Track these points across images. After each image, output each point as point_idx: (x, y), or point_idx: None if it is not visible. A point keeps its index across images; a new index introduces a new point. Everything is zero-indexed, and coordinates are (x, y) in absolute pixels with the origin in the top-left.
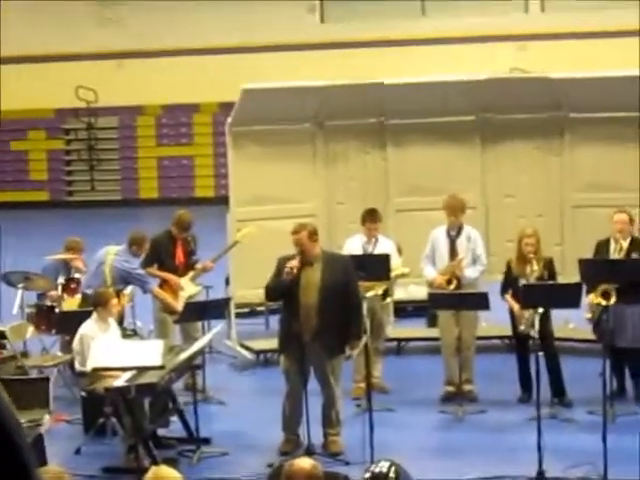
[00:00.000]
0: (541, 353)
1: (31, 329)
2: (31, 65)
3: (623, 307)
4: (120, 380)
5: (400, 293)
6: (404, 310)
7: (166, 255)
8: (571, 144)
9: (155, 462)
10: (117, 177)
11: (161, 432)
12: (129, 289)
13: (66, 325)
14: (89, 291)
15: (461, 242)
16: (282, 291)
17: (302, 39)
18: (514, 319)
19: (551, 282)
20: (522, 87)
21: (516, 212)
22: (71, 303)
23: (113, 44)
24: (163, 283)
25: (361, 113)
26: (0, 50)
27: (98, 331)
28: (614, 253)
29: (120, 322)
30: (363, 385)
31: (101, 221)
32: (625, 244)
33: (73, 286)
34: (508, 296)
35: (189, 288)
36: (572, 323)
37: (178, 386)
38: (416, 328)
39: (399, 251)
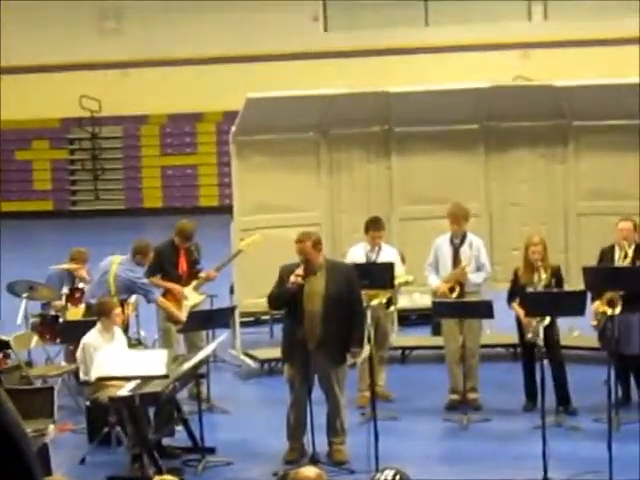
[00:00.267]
0: (546, 361)
1: (35, 339)
2: (35, 75)
3: (629, 315)
4: (124, 390)
5: (404, 301)
6: (408, 318)
7: (169, 264)
8: (575, 152)
9: (160, 472)
10: (121, 186)
11: (166, 441)
12: (133, 298)
13: (70, 335)
14: (93, 300)
15: (464, 250)
16: (286, 300)
17: (306, 48)
18: (521, 327)
19: (556, 290)
20: (526, 95)
21: (520, 220)
22: (75, 313)
23: (117, 54)
24: (167, 292)
25: (365, 122)
26: (4, 60)
27: (102, 341)
28: (619, 260)
29: (124, 331)
30: (368, 394)
31: (105, 230)
32: (630, 251)
33: (77, 296)
34: (515, 304)
35: (193, 297)
36: (577, 331)
37: (183, 395)
38: (420, 336)
39: (402, 259)
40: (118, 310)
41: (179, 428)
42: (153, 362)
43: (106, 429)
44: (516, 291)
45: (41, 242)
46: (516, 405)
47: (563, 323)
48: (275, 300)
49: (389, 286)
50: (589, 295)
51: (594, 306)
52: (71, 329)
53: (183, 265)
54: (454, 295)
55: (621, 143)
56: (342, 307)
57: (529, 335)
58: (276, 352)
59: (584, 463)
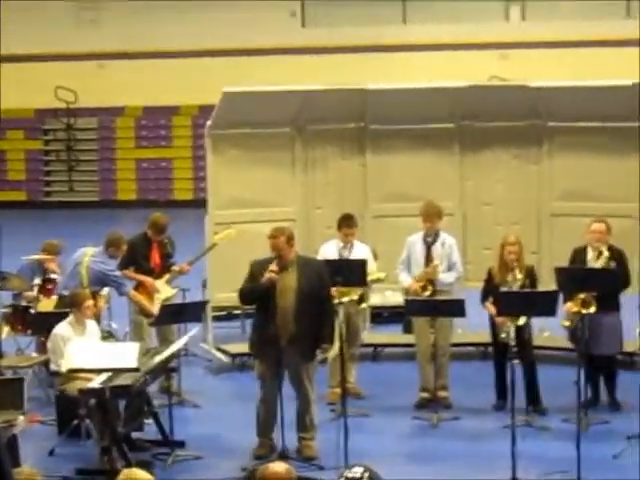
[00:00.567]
0: (517, 361)
1: (6, 329)
2: (10, 65)
3: (598, 316)
4: (95, 382)
5: (376, 299)
6: (380, 316)
7: (142, 258)
8: (549, 153)
9: (129, 464)
10: (95, 178)
11: (135, 435)
12: (105, 291)
13: (41, 326)
14: (65, 292)
15: (437, 248)
16: (258, 295)
17: (284, 43)
18: (494, 326)
19: (528, 290)
20: (501, 95)
21: (493, 220)
22: (47, 304)
23: (94, 45)
24: (139, 285)
25: (341, 118)
26: None
27: (73, 332)
28: (591, 261)
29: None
30: (338, 390)
31: (79, 222)
32: (606, 252)
33: (49, 287)
34: (488, 303)
35: (165, 291)
36: (547, 331)
37: (153, 389)
38: (392, 334)
39: (375, 256)
40: (90, 302)
41: (149, 421)
42: (124, 355)
43: (76, 421)
44: (490, 290)
45: (14, 232)
46: (486, 404)
47: (534, 323)
48: (247, 295)
49: (362, 283)
50: (561, 295)
51: (567, 306)
52: (42, 320)
53: (156, 258)
54: (426, 294)
55: (595, 145)
56: (314, 303)
57: (503, 335)
58: (248, 347)
59: (553, 463)
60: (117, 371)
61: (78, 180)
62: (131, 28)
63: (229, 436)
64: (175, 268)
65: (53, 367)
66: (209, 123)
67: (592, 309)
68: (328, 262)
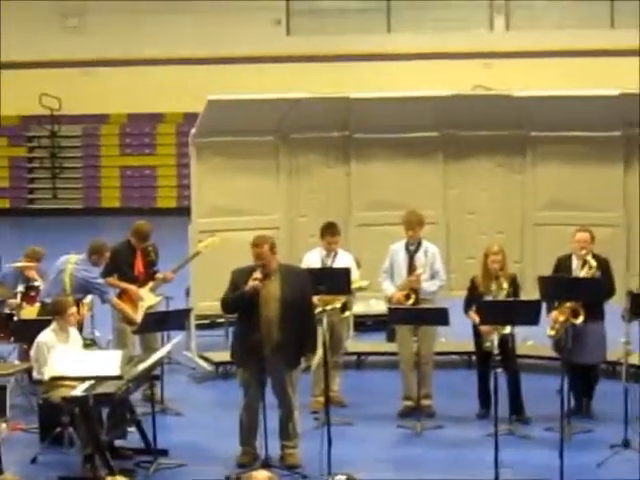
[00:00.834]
0: (500, 370)
1: None
2: None
3: (585, 325)
4: (78, 390)
5: (360, 307)
6: (364, 324)
7: (126, 265)
8: (533, 162)
9: (112, 472)
10: (79, 185)
11: (118, 443)
12: (89, 298)
13: (24, 333)
14: (48, 299)
15: (420, 257)
16: (242, 304)
17: (268, 51)
18: (477, 335)
19: (511, 299)
20: (485, 104)
21: (477, 229)
22: (30, 311)
23: (78, 52)
24: (123, 293)
25: (325, 127)
26: None
27: (57, 340)
28: (576, 270)
29: (79, 331)
30: (322, 399)
31: (62, 229)
32: (593, 262)
33: (33, 294)
34: (472, 312)
35: (149, 298)
36: (531, 340)
37: (136, 397)
38: (375, 342)
39: (358, 264)
40: (73, 310)
41: (132, 429)
42: (107, 363)
43: (58, 429)
44: (473, 299)
45: None
46: (469, 412)
47: (518, 332)
48: (231, 304)
49: (346, 291)
50: (544, 305)
51: (553, 315)
52: (25, 328)
53: (139, 266)
54: (410, 302)
55: (579, 154)
56: (297, 311)
57: (487, 344)
58: (230, 355)
59: (536, 471)
60: (100, 379)
61: (62, 187)
62: (116, 36)
63: (212, 444)
64: (159, 276)
65: (36, 375)
66: (193, 131)
67: (581, 319)
68: (312, 270)
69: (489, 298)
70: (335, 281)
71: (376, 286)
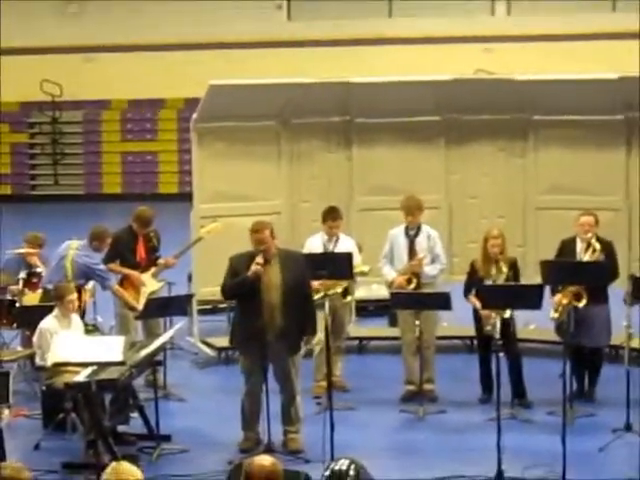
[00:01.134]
0: (502, 354)
1: None
2: None
3: (589, 308)
4: (80, 376)
5: (362, 292)
6: (366, 309)
7: (127, 251)
8: (535, 146)
9: (115, 458)
10: (81, 171)
11: (121, 428)
12: (91, 284)
13: (27, 319)
14: (50, 286)
15: (420, 241)
16: (243, 290)
17: (269, 36)
18: (478, 319)
19: (512, 283)
20: (487, 88)
21: (479, 213)
22: (32, 298)
23: (79, 38)
24: (125, 279)
25: (327, 112)
26: None
27: (59, 326)
28: (580, 253)
29: (81, 317)
30: (324, 384)
31: (64, 215)
32: (597, 245)
33: (35, 280)
34: (472, 297)
35: (151, 284)
36: (533, 324)
37: (139, 382)
38: (378, 327)
39: (359, 249)
40: (72, 296)
41: (135, 415)
42: (110, 348)
43: (61, 415)
44: (473, 283)
45: None
46: (472, 397)
47: (520, 316)
48: (234, 290)
49: (348, 276)
50: (547, 289)
51: (556, 299)
52: (27, 314)
53: (141, 252)
54: (411, 287)
55: (581, 138)
56: (298, 296)
57: (488, 328)
58: (229, 341)
59: (538, 455)
60: (103, 365)
61: (63, 173)
62: (116, 21)
63: (215, 430)
64: (161, 261)
65: (39, 361)
66: (195, 116)
67: (583, 302)
68: (313, 255)
69: (489, 282)
70: (337, 266)
71: (377, 271)
